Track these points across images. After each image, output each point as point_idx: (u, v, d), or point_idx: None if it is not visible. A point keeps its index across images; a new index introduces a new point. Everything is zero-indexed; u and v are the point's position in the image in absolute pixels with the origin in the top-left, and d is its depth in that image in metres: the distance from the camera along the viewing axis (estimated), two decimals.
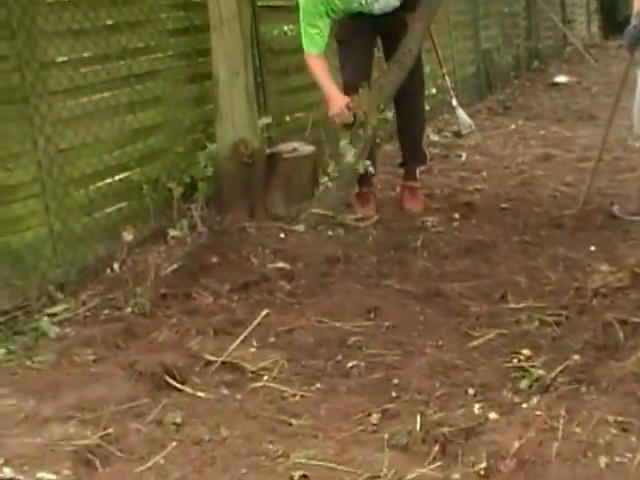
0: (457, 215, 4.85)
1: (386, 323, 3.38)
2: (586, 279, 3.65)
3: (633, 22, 4.36)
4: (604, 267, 3.70)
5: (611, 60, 13.29)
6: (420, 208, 5.02)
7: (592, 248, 4.18)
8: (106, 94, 4.20)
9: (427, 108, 7.55)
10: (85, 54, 4.07)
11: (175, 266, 4.07)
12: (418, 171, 5.33)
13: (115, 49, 4.24)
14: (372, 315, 3.48)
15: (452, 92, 8.02)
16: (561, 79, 10.96)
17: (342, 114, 4.67)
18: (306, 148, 4.87)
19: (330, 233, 4.52)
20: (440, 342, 3.19)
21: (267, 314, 3.50)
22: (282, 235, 4.47)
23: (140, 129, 4.42)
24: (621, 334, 2.94)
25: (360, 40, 4.81)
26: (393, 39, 4.73)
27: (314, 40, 4.65)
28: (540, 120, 8.32)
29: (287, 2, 5.68)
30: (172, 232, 4.48)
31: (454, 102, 7.85)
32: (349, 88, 4.71)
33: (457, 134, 7.55)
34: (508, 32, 10.77)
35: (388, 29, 4.74)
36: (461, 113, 7.84)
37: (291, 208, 4.71)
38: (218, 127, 4.51)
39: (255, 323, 3.37)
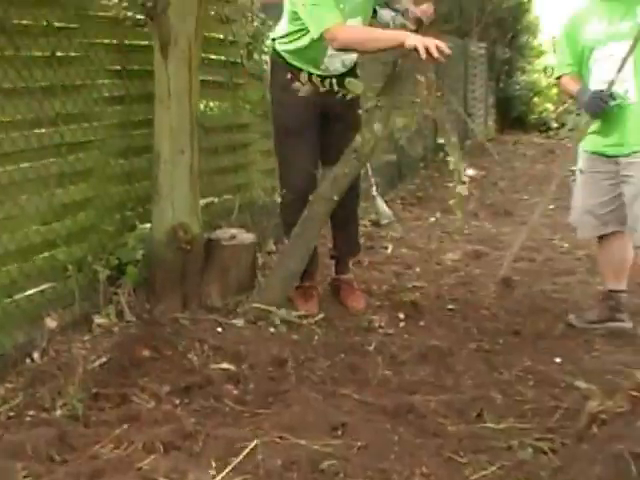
0: (402, 315, 4.56)
1: (357, 443, 2.97)
2: (565, 397, 3.39)
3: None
4: (581, 384, 3.45)
5: (510, 154, 13.58)
6: (363, 305, 4.71)
7: (557, 360, 3.94)
8: (36, 163, 3.75)
9: None
10: (17, 117, 3.61)
11: (104, 359, 3.62)
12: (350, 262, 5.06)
13: (48, 114, 3.79)
14: (339, 432, 3.08)
15: (372, 180, 7.83)
16: (468, 172, 10.95)
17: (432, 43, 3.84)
18: (246, 236, 4.51)
19: (272, 330, 4.15)
20: (425, 469, 2.81)
21: (220, 426, 3.09)
22: (220, 329, 4.09)
23: (69, 204, 3.97)
24: (634, 469, 2.64)
25: (311, 129, 4.44)
26: (340, 126, 4.42)
27: (330, 8, 4.03)
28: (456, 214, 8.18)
29: (215, 77, 5.38)
30: (98, 319, 4.03)
31: (374, 191, 7.63)
32: (297, 193, 4.37)
33: (376, 224, 7.29)
34: (420, 123, 10.74)
35: (337, 115, 4.43)
36: (380, 203, 7.62)
37: (228, 300, 4.33)
38: (155, 208, 4.10)
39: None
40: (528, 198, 9.37)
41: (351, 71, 4.50)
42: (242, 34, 5.60)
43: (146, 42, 4.41)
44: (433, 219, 7.83)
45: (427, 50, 3.79)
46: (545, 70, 17.36)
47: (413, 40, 3.87)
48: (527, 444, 2.99)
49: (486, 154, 12.81)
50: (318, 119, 4.43)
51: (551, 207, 8.44)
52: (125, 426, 3.04)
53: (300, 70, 4.21)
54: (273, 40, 4.53)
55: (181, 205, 4.06)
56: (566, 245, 6.59)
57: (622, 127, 4.17)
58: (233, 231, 4.51)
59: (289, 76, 4.20)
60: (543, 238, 6.92)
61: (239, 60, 5.59)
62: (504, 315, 4.66)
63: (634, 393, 3.08)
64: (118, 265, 4.22)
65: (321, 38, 4.07)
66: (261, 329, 4.13)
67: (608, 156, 4.27)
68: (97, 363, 3.58)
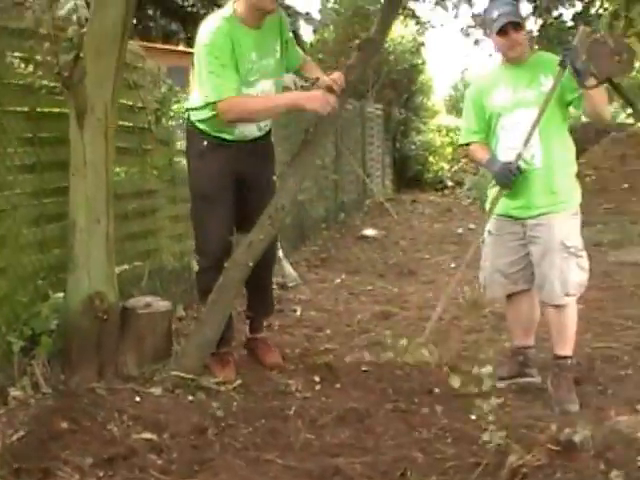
0: (317, 378, 4.60)
1: None
2: (484, 453, 3.48)
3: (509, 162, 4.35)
4: (499, 442, 3.54)
5: (409, 214, 13.88)
6: (280, 360, 4.81)
7: (473, 417, 4.04)
8: None
9: None
10: None
11: (21, 433, 3.53)
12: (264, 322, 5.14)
13: None
14: None
15: (278, 243, 7.92)
16: (369, 232, 11.19)
17: (328, 101, 4.13)
18: (161, 304, 4.49)
19: (191, 398, 4.13)
20: None
21: None
22: (138, 399, 4.03)
23: None
24: None
25: (227, 195, 4.48)
26: (255, 193, 4.49)
27: (229, 78, 4.13)
28: (362, 275, 8.35)
29: (123, 143, 5.39)
30: (13, 392, 3.93)
31: (280, 253, 7.74)
32: (210, 254, 4.42)
33: (283, 286, 7.39)
34: (321, 185, 10.94)
35: (252, 182, 4.50)
36: (287, 265, 7.74)
37: (144, 368, 4.30)
38: (71, 277, 4.05)
39: None
40: (429, 257, 9.61)
41: (267, 134, 4.59)
42: (150, 100, 5.65)
43: (58, 109, 4.43)
44: (339, 280, 7.93)
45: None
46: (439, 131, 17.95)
47: (312, 104, 4.10)
48: None
49: (385, 214, 13.11)
50: (234, 186, 4.48)
51: (453, 265, 8.73)
52: None
53: (215, 138, 4.28)
54: (187, 110, 4.58)
55: (97, 274, 4.03)
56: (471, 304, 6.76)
57: (529, 191, 4.35)
58: (148, 299, 4.49)
59: (205, 144, 4.27)
60: (453, 296, 7.07)
61: (147, 126, 5.62)
62: (417, 374, 4.74)
63: (550, 446, 3.21)
64: (32, 335, 4.15)
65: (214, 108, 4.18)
66: (179, 397, 4.11)
67: (516, 218, 4.45)
68: (15, 437, 3.49)
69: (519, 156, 4.27)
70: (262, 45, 4.35)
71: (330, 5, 17.66)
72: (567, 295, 4.33)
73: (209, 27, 4.22)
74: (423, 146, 18.46)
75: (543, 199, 4.34)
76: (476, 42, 10.19)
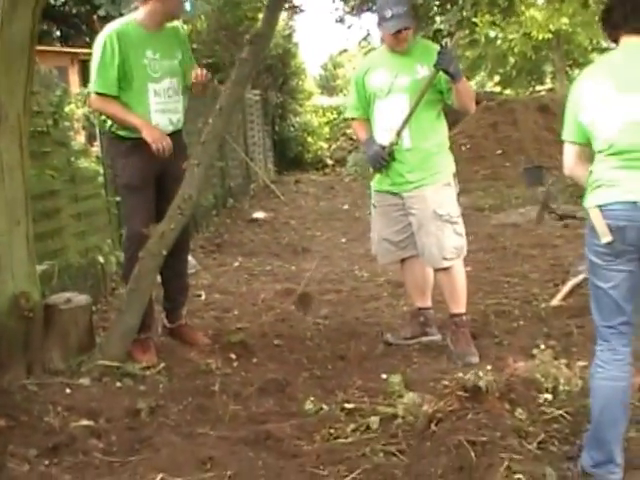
0: (234, 355, 4.88)
1: (227, 472, 3.29)
2: (399, 406, 3.82)
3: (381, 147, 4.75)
4: (412, 395, 3.90)
5: (294, 195, 14.20)
6: (206, 339, 5.11)
7: (384, 376, 4.40)
8: None
9: None
10: None
11: None
12: None
13: None
14: (209, 466, 3.37)
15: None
16: (259, 215, 11.47)
17: (162, 139, 4.59)
18: (81, 298, 4.67)
19: (119, 384, 4.34)
20: None
21: (97, 477, 3.29)
22: (68, 390, 4.21)
23: None
24: (473, 454, 3.12)
25: (149, 187, 4.78)
26: (172, 184, 4.73)
27: (109, 77, 4.58)
28: (258, 256, 8.64)
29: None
30: None
31: None
32: (137, 239, 4.63)
33: None
34: (207, 172, 11.09)
35: (169, 173, 4.75)
36: None
37: (70, 361, 4.48)
38: None
39: None
40: (320, 234, 9.98)
41: (179, 130, 4.91)
42: (45, 104, 5.78)
43: None
44: (237, 263, 8.20)
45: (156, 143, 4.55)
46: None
47: (148, 135, 4.56)
48: (378, 449, 3.41)
49: (272, 196, 13.39)
50: (154, 180, 4.80)
51: (343, 240, 9.12)
52: None
53: (135, 139, 4.60)
54: (105, 122, 5.03)
55: (21, 274, 4.18)
56: (366, 274, 7.15)
57: (401, 169, 4.79)
58: (67, 295, 4.66)
59: (128, 144, 4.69)
60: (343, 270, 7.46)
61: (45, 129, 5.75)
62: (327, 343, 5.09)
63: (460, 393, 3.59)
64: None
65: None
66: (108, 385, 4.31)
67: (393, 193, 4.86)
68: None
69: (392, 144, 4.69)
70: (160, 46, 4.72)
71: None
72: (445, 259, 4.75)
73: (104, 32, 4.63)
74: (301, 127, 18.80)
75: (415, 174, 4.76)
76: (349, 26, 10.57)
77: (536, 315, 5.44)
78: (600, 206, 3.04)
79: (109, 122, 4.88)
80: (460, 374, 3.92)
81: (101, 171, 6.98)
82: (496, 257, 7.54)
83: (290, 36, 18.37)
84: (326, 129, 19.14)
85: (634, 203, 3.00)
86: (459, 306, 4.83)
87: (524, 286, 6.32)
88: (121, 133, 4.75)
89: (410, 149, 4.73)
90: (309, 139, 18.61)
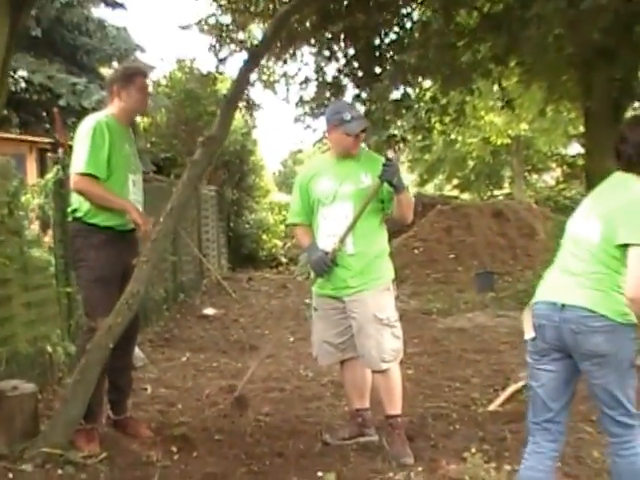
0: (175, 449, 4.96)
1: None
2: None
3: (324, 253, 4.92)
4: None
5: (246, 292, 14.30)
6: (149, 432, 5.20)
7: (320, 474, 4.50)
8: None
9: None
10: None
11: None
12: None
13: None
14: None
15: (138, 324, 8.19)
16: (209, 311, 11.56)
17: (149, 222, 4.92)
18: (28, 386, 4.79)
19: (60, 472, 4.42)
20: None
21: None
22: (10, 475, 4.29)
23: None
24: None
25: (117, 280, 4.94)
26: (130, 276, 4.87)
27: (99, 160, 4.84)
28: (206, 352, 8.70)
29: None
30: None
31: None
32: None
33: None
34: (159, 266, 11.23)
35: (130, 266, 4.90)
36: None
37: (14, 447, 4.53)
38: None
39: None
40: (269, 333, 10.07)
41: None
42: (1, 192, 5.93)
43: None
44: (184, 359, 8.26)
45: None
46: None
47: (138, 217, 4.91)
48: None
49: (223, 292, 13.50)
50: (120, 273, 4.96)
51: (291, 339, 9.23)
52: None
53: (105, 229, 4.90)
54: (73, 212, 5.07)
55: None
56: (311, 374, 7.25)
57: (344, 274, 4.93)
58: (13, 382, 4.76)
59: (101, 237, 4.91)
60: (289, 369, 7.56)
61: None
62: (266, 440, 5.18)
63: None
64: None
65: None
66: (50, 472, 4.38)
67: (335, 297, 5.02)
68: None
69: (334, 251, 4.87)
70: (131, 141, 5.15)
71: (161, 89, 18.15)
72: (384, 361, 4.88)
73: (92, 119, 4.98)
74: (256, 224, 19.03)
75: (357, 280, 4.91)
76: (307, 127, 10.87)
77: (473, 419, 5.58)
78: (533, 303, 3.30)
79: (82, 211, 4.98)
80: (391, 474, 4.03)
81: (52, 261, 7.08)
82: (439, 361, 7.71)
83: (249, 133, 18.73)
84: (281, 227, 19.38)
85: (553, 303, 3.23)
86: (395, 408, 4.94)
87: (465, 390, 6.48)
88: (95, 221, 4.92)
89: (353, 254, 4.88)
90: (264, 236, 18.83)
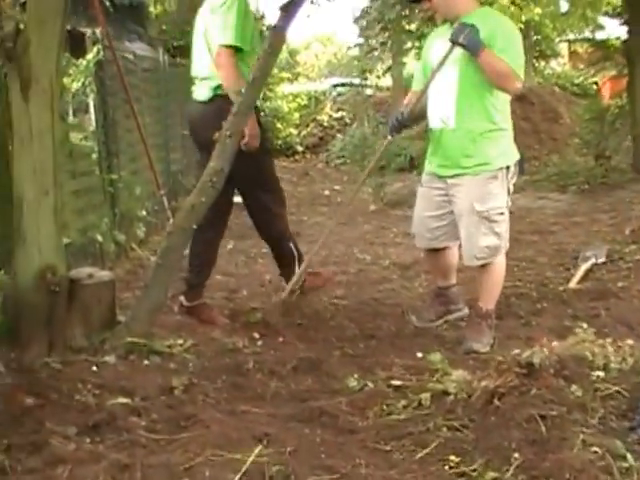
0: (257, 335, 4.75)
1: (287, 449, 3.14)
2: (447, 383, 3.70)
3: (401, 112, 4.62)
4: (460, 372, 3.79)
5: None
6: (225, 319, 5.10)
7: (419, 354, 4.30)
8: None
9: (144, 230, 7.50)
10: None
11: None
12: None
13: None
14: (265, 442, 3.22)
15: (169, 213, 7.93)
16: (237, 199, 11.22)
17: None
18: (104, 274, 4.49)
19: (146, 362, 4.17)
20: (362, 460, 3.04)
21: (149, 455, 3.13)
22: (94, 368, 4.04)
23: None
24: (544, 428, 3.03)
25: None
26: None
27: (246, 32, 4.70)
28: (251, 239, 8.36)
29: None
30: None
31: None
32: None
33: None
34: (189, 155, 10.91)
35: None
36: None
37: (92, 339, 4.29)
38: (20, 252, 3.98)
39: None
40: (307, 219, 9.81)
41: None
42: None
43: None
44: (230, 246, 8.00)
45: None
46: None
47: (252, 127, 4.72)
48: (440, 424, 3.30)
49: None
50: None
51: (332, 224, 8.96)
52: (59, 470, 3.00)
53: None
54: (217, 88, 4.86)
55: (48, 247, 3.98)
56: (368, 257, 7.03)
57: (445, 151, 4.56)
58: (88, 270, 4.47)
59: None
60: (344, 253, 7.33)
61: None
62: (350, 323, 4.96)
63: (517, 369, 3.49)
64: None
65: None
66: (135, 363, 4.14)
67: (439, 176, 4.65)
68: None
69: (403, 112, 4.57)
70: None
71: None
72: (476, 258, 4.53)
73: None
74: (271, 113, 18.51)
75: (458, 161, 4.50)
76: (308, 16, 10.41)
77: (557, 297, 5.38)
78: None
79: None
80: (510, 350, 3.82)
81: (95, 147, 6.76)
82: None
83: (263, 17, 18.05)
84: (296, 115, 18.90)
85: None
86: (488, 303, 4.63)
87: (535, 270, 6.28)
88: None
89: (454, 130, 4.47)
90: (278, 125, 18.33)
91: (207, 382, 3.97)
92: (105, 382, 3.85)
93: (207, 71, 4.88)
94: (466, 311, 4.88)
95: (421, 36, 14.84)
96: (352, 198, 5.45)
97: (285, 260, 5.20)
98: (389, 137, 4.83)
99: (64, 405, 3.61)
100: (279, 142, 18.24)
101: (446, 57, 4.41)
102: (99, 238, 6.38)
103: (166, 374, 4.00)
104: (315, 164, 16.40)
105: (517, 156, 4.62)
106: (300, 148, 17.88)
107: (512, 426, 3.10)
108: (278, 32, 4.35)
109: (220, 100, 4.75)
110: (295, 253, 5.20)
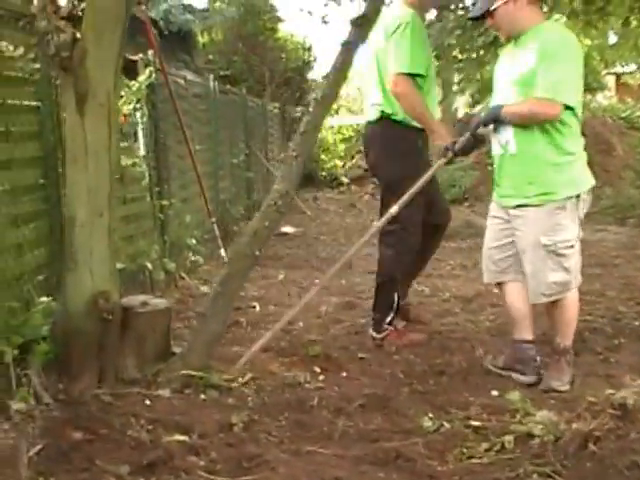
0: (318, 369, 4.47)
1: None
2: (530, 425, 3.39)
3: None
4: (546, 413, 3.48)
5: (315, 211, 13.80)
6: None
7: (495, 393, 3.99)
8: None
9: (193, 259, 7.28)
10: None
11: (39, 447, 3.25)
12: None
13: None
14: None
15: (220, 242, 7.76)
16: (288, 229, 11.06)
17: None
18: (159, 301, 4.25)
19: (203, 396, 3.91)
20: None
21: None
22: (148, 402, 3.79)
23: None
24: None
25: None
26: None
27: (421, 58, 4.66)
28: (301, 269, 8.22)
29: None
30: (14, 404, 3.61)
31: (222, 252, 7.58)
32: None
33: None
34: (237, 183, 10.75)
35: None
36: None
37: (145, 370, 4.03)
38: (71, 276, 3.75)
39: None
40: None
41: None
42: None
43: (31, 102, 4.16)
44: (281, 276, 7.77)
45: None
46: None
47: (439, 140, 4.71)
48: (530, 471, 2.98)
49: (294, 211, 12.96)
50: None
51: None
52: None
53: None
54: (386, 115, 4.88)
55: (100, 271, 3.75)
56: (426, 289, 6.71)
57: (506, 179, 4.22)
58: (141, 297, 4.23)
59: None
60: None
61: None
62: (415, 358, 4.67)
63: (611, 411, 3.18)
64: (22, 344, 3.84)
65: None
66: (191, 397, 3.89)
67: (502, 206, 4.30)
68: (32, 452, 3.22)
69: (478, 125, 4.31)
70: None
71: (217, 4, 17.39)
72: (543, 295, 4.14)
73: (404, 13, 4.73)
74: (317, 144, 18.34)
75: (521, 189, 4.13)
76: None
77: (634, 333, 5.04)
78: None
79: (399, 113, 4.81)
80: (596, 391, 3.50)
81: (146, 173, 6.56)
82: None
83: (310, 48, 17.96)
84: (341, 146, 18.70)
85: None
86: (563, 338, 4.24)
87: (604, 304, 5.92)
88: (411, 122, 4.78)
89: (515, 155, 4.13)
90: (323, 156, 18.12)
91: (269, 419, 3.71)
92: (159, 417, 3.60)
93: (378, 98, 4.89)
94: (528, 379, 4.26)
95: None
96: None
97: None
98: (449, 154, 4.53)
99: (115, 441, 3.36)
100: (324, 173, 18.04)
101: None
102: (149, 266, 6.15)
103: (224, 410, 3.75)
104: (361, 196, 16.14)
105: (592, 182, 4.26)
106: (345, 180, 17.63)
107: (612, 474, 2.80)
108: (349, 48, 4.10)
109: (386, 121, 4.85)
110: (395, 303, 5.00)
